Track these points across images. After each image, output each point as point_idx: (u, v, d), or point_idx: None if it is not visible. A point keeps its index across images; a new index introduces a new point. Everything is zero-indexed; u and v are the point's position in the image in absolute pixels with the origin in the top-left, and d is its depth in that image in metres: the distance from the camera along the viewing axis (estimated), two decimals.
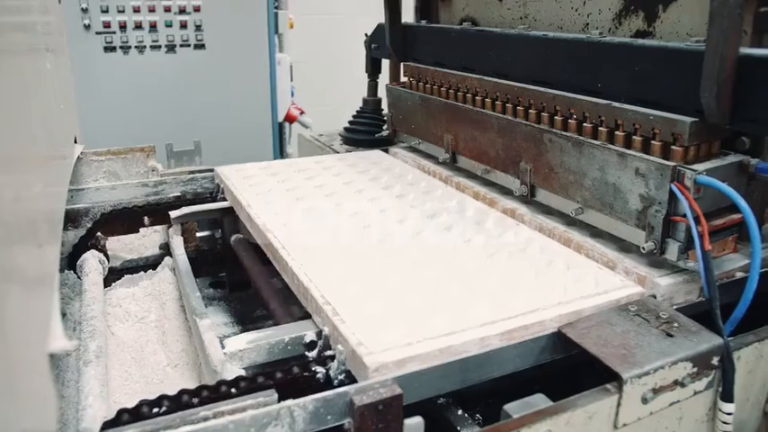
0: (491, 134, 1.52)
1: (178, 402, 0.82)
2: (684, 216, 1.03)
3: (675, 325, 0.97)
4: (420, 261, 1.16)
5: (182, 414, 0.77)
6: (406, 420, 0.75)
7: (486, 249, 1.22)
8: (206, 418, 0.77)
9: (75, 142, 1.61)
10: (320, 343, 0.98)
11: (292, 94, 3.76)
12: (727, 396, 0.96)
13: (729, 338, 0.97)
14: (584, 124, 1.25)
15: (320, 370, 0.92)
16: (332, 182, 1.65)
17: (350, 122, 2.22)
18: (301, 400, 0.77)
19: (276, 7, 3.58)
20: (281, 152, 3.73)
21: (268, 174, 1.72)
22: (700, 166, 1.04)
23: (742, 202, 0.98)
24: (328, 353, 0.94)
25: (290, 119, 3.75)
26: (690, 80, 1.02)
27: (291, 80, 3.73)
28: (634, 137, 1.15)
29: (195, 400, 0.82)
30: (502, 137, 1.48)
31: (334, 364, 0.92)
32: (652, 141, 1.12)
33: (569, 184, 1.29)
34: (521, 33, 1.49)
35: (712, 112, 1.00)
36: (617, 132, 1.18)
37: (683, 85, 1.05)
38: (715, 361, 0.93)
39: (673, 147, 1.08)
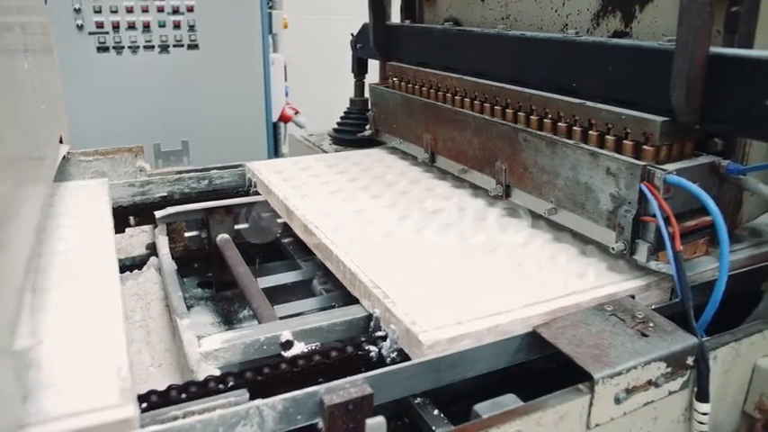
0: (468, 133, 1.52)
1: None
2: (654, 216, 1.02)
3: (651, 325, 0.97)
4: (457, 250, 1.22)
5: (151, 413, 0.78)
6: (367, 420, 0.75)
7: (519, 239, 1.28)
8: (175, 418, 0.77)
9: (61, 142, 1.61)
10: (371, 324, 1.05)
11: (287, 94, 3.76)
12: (703, 396, 0.96)
13: (705, 338, 0.97)
14: (559, 124, 1.25)
15: (373, 349, 0.98)
16: (363, 176, 1.71)
17: (339, 123, 2.22)
18: (270, 400, 0.77)
19: (270, 7, 3.58)
20: (275, 152, 3.74)
21: (299, 168, 1.77)
22: (670, 166, 1.03)
23: (711, 203, 0.96)
24: (378, 333, 1.01)
25: (284, 119, 3.75)
26: (662, 79, 1.01)
27: (286, 80, 3.73)
28: (607, 136, 1.15)
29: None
30: (478, 136, 1.48)
31: (386, 344, 0.98)
32: (624, 141, 1.11)
33: (543, 184, 1.29)
34: (499, 33, 1.49)
35: (682, 110, 0.99)
36: (590, 132, 1.18)
37: (656, 85, 1.04)
38: (690, 361, 0.93)
39: (644, 146, 1.08)
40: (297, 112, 3.82)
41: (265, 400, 0.77)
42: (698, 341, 0.93)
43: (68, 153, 1.73)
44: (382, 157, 1.91)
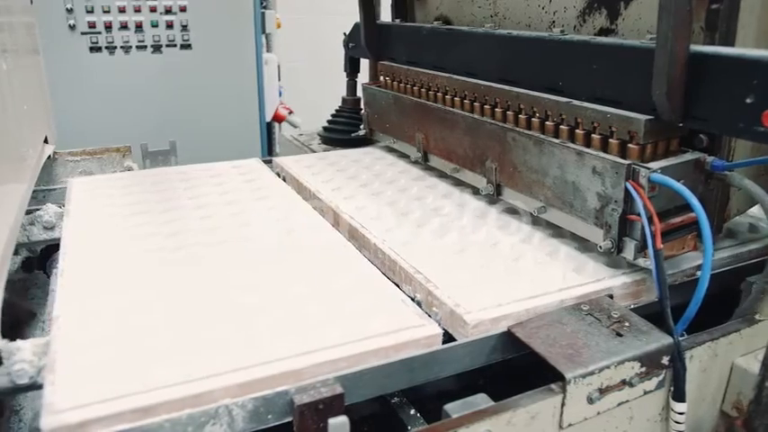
0: (459, 133, 1.52)
1: None
2: (639, 215, 1.01)
3: (626, 324, 0.97)
4: (490, 239, 1.27)
5: None
6: (330, 420, 0.75)
7: (551, 228, 1.30)
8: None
9: (47, 142, 1.61)
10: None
11: (280, 94, 3.76)
12: (679, 396, 0.95)
13: (681, 338, 0.97)
14: (547, 123, 1.25)
15: None
16: (388, 171, 1.76)
17: (328, 122, 2.22)
18: (240, 399, 0.77)
19: (264, 7, 3.58)
20: (269, 151, 3.74)
21: (326, 164, 1.83)
22: (655, 164, 1.03)
23: (694, 201, 0.96)
24: None
25: (278, 118, 3.75)
26: (646, 78, 1.01)
27: (279, 80, 3.73)
28: (593, 135, 1.15)
29: None
30: (469, 135, 1.49)
31: None
32: (610, 140, 1.11)
33: (532, 183, 1.29)
34: (486, 32, 1.49)
35: (664, 109, 0.99)
36: (577, 131, 1.18)
37: (640, 83, 1.04)
38: (665, 360, 0.93)
39: (629, 145, 1.08)
40: (291, 112, 3.82)
41: (235, 400, 0.77)
42: (673, 341, 0.93)
43: (56, 153, 1.73)
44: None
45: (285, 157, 1.90)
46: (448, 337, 0.99)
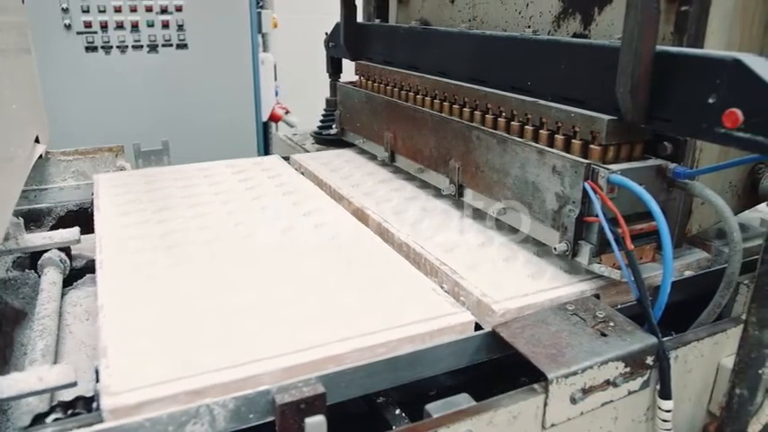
0: (426, 132, 1.52)
1: None
2: (597, 216, 1.00)
3: (611, 324, 0.97)
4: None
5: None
6: (306, 419, 0.76)
7: None
8: None
9: (38, 142, 1.61)
10: None
11: (276, 94, 3.76)
12: (666, 394, 0.95)
13: (665, 338, 0.97)
14: (512, 122, 1.25)
15: None
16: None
17: (321, 122, 2.22)
18: (221, 399, 0.77)
19: (261, 7, 3.59)
20: (266, 151, 3.74)
21: (343, 160, 1.86)
22: (615, 167, 1.01)
23: (653, 205, 0.95)
24: None
25: (274, 118, 3.75)
26: (612, 78, 0.99)
27: (276, 79, 3.73)
28: (556, 135, 1.14)
29: None
30: (435, 135, 1.49)
31: None
32: (573, 140, 1.10)
33: (493, 184, 1.28)
34: (459, 31, 1.49)
35: (627, 108, 0.97)
36: (541, 131, 1.17)
37: (606, 83, 1.02)
38: (650, 360, 0.93)
39: (591, 146, 1.06)
40: (287, 112, 3.82)
41: (216, 399, 0.77)
42: (657, 341, 0.93)
43: (48, 153, 1.73)
44: None
45: (303, 155, 1.93)
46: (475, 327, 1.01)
